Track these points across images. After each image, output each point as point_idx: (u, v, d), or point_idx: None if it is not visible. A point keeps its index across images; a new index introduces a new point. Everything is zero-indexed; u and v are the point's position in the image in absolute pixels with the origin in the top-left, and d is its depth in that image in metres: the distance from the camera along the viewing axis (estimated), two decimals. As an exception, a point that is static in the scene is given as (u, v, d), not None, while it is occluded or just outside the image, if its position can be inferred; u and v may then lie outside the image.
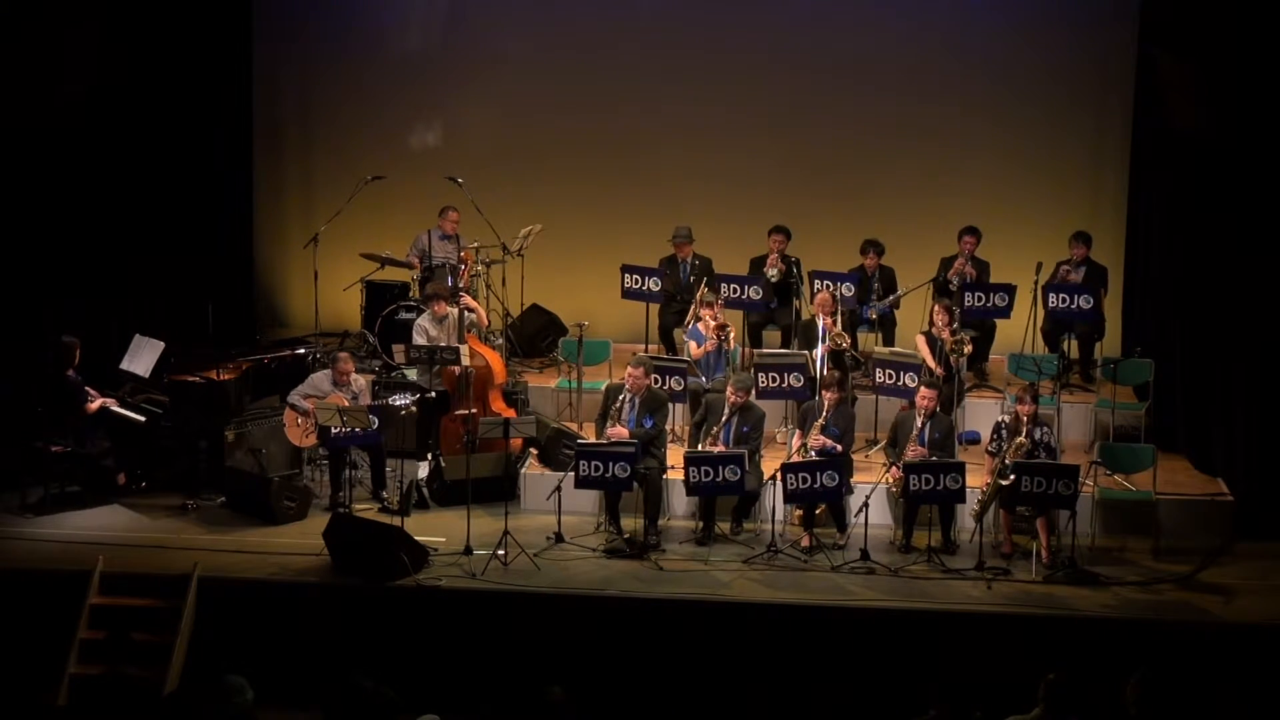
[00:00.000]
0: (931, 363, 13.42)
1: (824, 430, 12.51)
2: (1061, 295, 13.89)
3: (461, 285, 14.68)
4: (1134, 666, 9.13)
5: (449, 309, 13.92)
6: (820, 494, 12.10)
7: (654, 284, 14.49)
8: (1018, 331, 14.16)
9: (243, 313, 15.87)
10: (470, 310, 14.06)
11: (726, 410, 12.62)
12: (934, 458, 12.24)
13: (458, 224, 15.14)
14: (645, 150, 16.08)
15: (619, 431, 12.56)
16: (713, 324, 13.74)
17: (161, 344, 13.71)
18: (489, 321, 14.87)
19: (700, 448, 12.57)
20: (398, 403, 13.24)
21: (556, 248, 15.67)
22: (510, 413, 13.60)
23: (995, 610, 11.48)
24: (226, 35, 15.64)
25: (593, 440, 12.68)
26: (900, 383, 13.16)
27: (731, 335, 13.87)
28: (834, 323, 13.77)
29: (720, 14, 15.82)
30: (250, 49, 15.99)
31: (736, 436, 12.57)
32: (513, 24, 16.07)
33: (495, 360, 13.99)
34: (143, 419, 13.40)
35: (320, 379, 13.27)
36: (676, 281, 14.87)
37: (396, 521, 12.26)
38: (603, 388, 13.34)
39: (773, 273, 14.61)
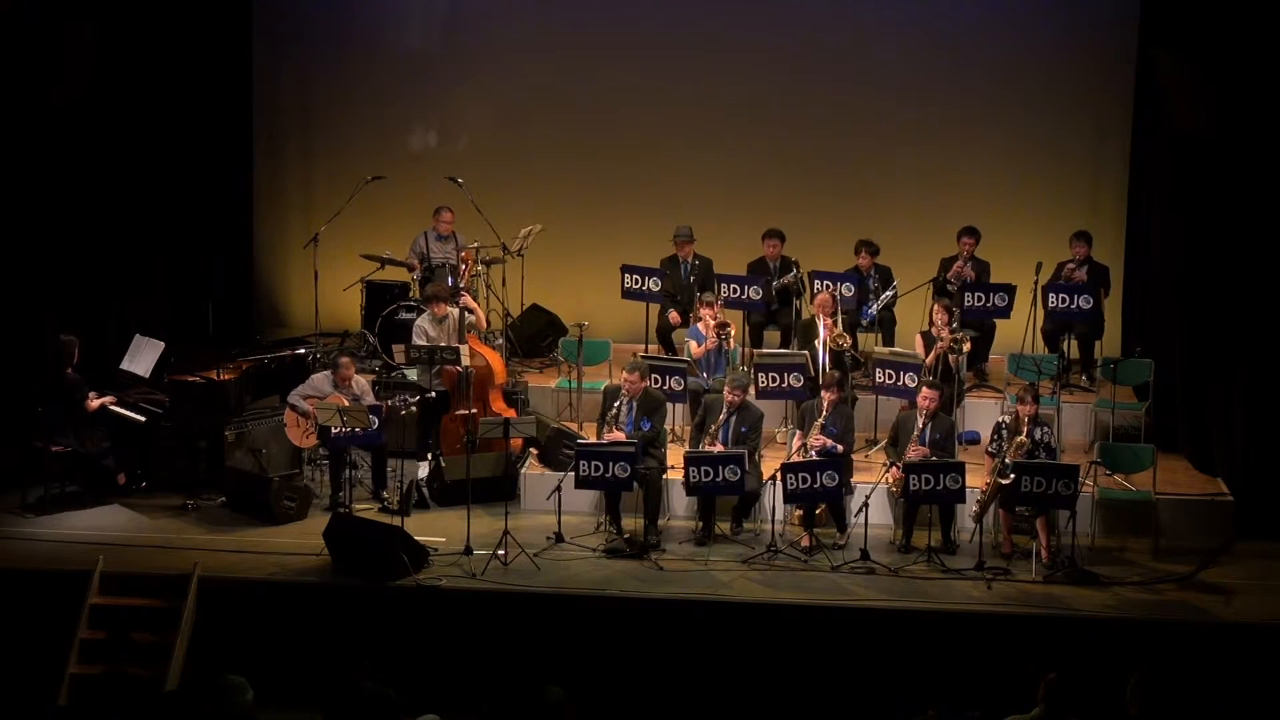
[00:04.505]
0: (929, 361, 13.42)
1: (823, 430, 12.51)
2: (1061, 295, 13.89)
3: (462, 285, 14.67)
4: (1134, 666, 9.11)
5: (449, 309, 13.92)
6: (820, 494, 12.10)
7: (654, 284, 14.48)
8: (1018, 331, 14.16)
9: (243, 313, 15.87)
10: (469, 310, 14.05)
11: (724, 410, 12.62)
12: (934, 457, 12.25)
13: (452, 223, 15.13)
14: (645, 150, 16.07)
15: (617, 437, 12.55)
16: (713, 323, 13.75)
17: (161, 344, 13.72)
18: (488, 323, 14.86)
19: (700, 448, 12.57)
20: (398, 403, 13.24)
21: (556, 248, 15.66)
22: (510, 413, 13.60)
23: (995, 610, 11.47)
24: (226, 35, 15.64)
25: (593, 440, 12.68)
26: (900, 383, 13.16)
27: (732, 334, 13.87)
28: (834, 323, 13.76)
29: (720, 14, 15.81)
30: (250, 49, 15.99)
31: (734, 436, 12.56)
32: (512, 24, 16.07)
33: (495, 360, 13.99)
34: (143, 419, 13.39)
35: (320, 380, 13.26)
36: (677, 281, 14.87)
37: (396, 521, 12.26)
38: (602, 389, 13.35)
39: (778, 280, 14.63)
